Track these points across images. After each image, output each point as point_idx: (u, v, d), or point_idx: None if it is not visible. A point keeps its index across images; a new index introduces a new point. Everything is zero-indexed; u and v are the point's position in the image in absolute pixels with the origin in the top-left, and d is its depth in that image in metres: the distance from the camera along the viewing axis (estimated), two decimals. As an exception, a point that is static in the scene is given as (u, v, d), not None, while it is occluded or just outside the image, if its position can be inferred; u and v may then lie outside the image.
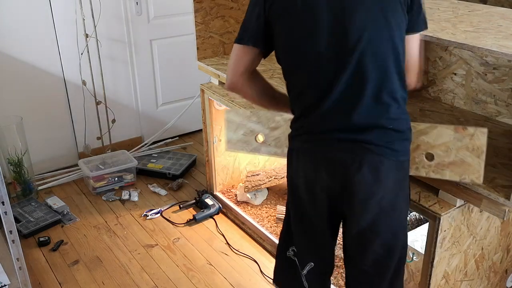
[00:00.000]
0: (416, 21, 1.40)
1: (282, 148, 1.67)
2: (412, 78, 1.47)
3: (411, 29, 1.40)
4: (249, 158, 2.92)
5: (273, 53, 1.49)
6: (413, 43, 1.43)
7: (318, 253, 1.60)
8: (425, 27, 1.44)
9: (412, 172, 1.49)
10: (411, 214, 2.35)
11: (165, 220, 2.78)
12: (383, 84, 1.33)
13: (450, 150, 1.42)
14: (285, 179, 1.75)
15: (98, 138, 3.33)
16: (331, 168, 1.39)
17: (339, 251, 2.39)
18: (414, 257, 1.99)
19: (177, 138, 3.69)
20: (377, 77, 1.33)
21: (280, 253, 1.70)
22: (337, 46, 1.32)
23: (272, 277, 1.79)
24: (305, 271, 1.61)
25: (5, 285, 1.98)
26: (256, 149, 1.72)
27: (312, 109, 1.40)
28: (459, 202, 1.56)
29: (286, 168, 1.54)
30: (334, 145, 1.38)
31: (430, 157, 1.47)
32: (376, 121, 1.34)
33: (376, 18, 1.32)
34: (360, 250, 1.50)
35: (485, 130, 1.37)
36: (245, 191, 2.79)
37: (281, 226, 1.76)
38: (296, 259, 1.62)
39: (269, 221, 2.64)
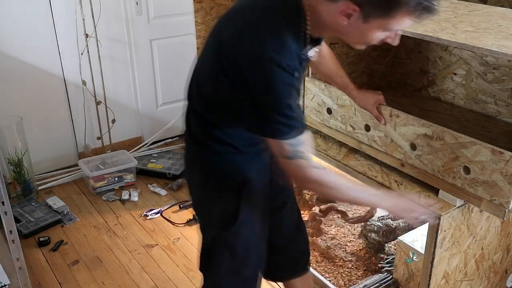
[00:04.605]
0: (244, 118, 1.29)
1: (346, 125, 1.86)
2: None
3: None
4: (249, 158, 2.92)
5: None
6: None
7: None
8: (250, 130, 1.29)
9: (449, 180, 1.55)
10: (411, 214, 2.35)
11: (165, 220, 2.78)
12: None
13: (486, 169, 1.44)
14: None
15: (98, 138, 3.33)
16: None
17: (338, 251, 2.39)
18: (414, 257, 1.99)
19: (177, 138, 3.69)
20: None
21: None
22: None
23: None
24: None
25: (5, 285, 1.98)
26: (326, 120, 1.95)
27: None
28: (459, 202, 1.56)
29: None
30: None
31: (467, 171, 1.50)
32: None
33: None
34: None
35: None
36: (245, 191, 2.78)
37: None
38: None
39: (269, 221, 2.64)
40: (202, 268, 1.61)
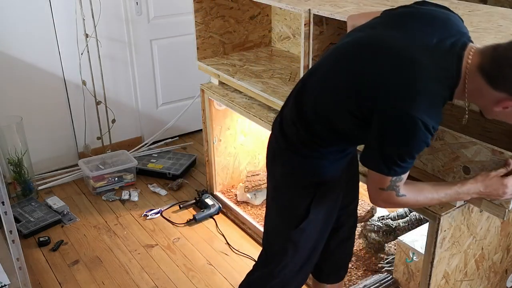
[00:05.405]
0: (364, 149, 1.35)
1: None
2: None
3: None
4: (249, 158, 2.92)
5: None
6: None
7: None
8: (364, 163, 1.33)
9: (449, 180, 1.55)
10: (411, 214, 2.35)
11: (165, 220, 2.78)
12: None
13: (486, 169, 1.44)
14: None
15: (98, 138, 3.33)
16: None
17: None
18: (414, 257, 1.99)
19: (177, 138, 3.69)
20: None
21: None
22: None
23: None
24: None
25: (5, 285, 1.98)
26: None
27: None
28: (459, 202, 1.56)
29: None
30: None
31: (466, 170, 1.50)
32: None
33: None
34: None
35: None
36: (245, 191, 2.79)
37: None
38: None
39: (269, 221, 2.64)
40: (262, 258, 1.69)
